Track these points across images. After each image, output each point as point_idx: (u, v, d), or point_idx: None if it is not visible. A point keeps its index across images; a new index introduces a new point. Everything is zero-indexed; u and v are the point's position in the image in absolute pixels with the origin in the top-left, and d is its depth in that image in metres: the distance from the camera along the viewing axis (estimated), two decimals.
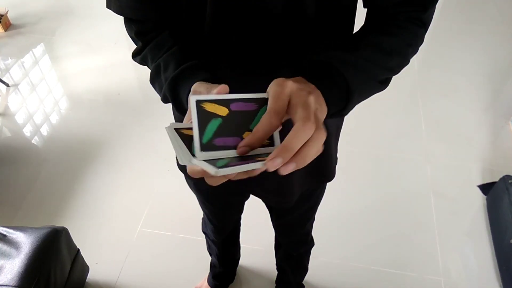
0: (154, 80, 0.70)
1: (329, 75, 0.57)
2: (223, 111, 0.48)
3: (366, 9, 0.69)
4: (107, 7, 0.72)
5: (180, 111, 0.65)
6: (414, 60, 2.86)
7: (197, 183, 1.07)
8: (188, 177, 1.08)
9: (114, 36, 3.01)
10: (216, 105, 0.47)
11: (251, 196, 1.14)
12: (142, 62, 0.75)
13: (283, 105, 0.48)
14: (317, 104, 0.50)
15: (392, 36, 0.65)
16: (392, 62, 0.65)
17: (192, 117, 0.47)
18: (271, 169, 0.43)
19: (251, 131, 0.49)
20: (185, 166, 0.99)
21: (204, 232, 1.49)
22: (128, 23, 0.74)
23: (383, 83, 0.66)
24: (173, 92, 0.64)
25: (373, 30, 0.66)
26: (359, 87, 0.59)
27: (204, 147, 0.46)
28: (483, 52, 2.95)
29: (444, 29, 3.16)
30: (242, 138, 0.48)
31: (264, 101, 0.50)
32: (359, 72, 0.59)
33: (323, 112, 0.51)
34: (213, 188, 1.07)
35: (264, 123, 0.47)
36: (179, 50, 0.67)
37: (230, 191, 1.09)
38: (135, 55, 0.75)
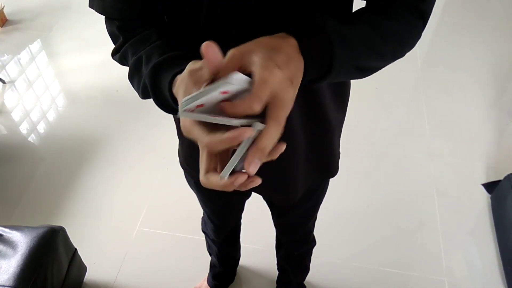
0: (133, 74, 0.67)
1: (316, 40, 0.55)
2: None
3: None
4: (89, 6, 0.71)
5: (159, 102, 0.62)
6: (417, 56, 2.86)
7: (198, 181, 1.07)
8: (188, 175, 1.08)
9: None
10: None
11: (252, 194, 1.14)
12: (122, 60, 0.72)
13: (268, 94, 0.46)
14: (295, 87, 0.50)
15: (391, 20, 0.63)
16: (386, 48, 0.63)
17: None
18: (253, 173, 0.46)
19: None
20: (186, 164, 0.99)
21: (204, 232, 1.49)
22: (109, 19, 0.72)
23: (365, 71, 0.64)
24: (153, 78, 0.61)
25: (372, 12, 0.64)
26: (343, 65, 0.57)
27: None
28: (488, 49, 2.95)
29: (448, 25, 3.15)
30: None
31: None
32: (348, 48, 0.57)
33: (295, 92, 0.50)
34: None
35: (246, 105, 0.45)
36: (164, 43, 0.65)
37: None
38: (114, 53, 0.72)
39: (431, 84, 2.68)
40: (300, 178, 0.93)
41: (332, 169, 1.01)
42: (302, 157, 0.87)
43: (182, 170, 1.04)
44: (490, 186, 2.06)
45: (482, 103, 2.55)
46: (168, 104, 0.59)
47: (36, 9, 3.31)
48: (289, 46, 0.51)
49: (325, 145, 0.91)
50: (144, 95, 0.66)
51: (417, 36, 0.67)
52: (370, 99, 2.54)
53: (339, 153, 1.01)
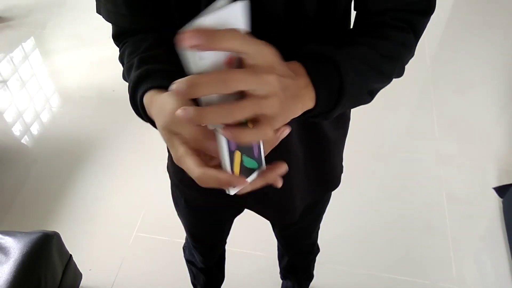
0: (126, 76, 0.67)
1: (327, 72, 0.55)
2: None
3: (355, 12, 0.69)
4: (96, 11, 0.71)
5: (136, 111, 0.63)
6: (426, 54, 2.86)
7: (189, 198, 1.05)
8: (179, 192, 1.07)
9: (108, 30, 3.00)
10: None
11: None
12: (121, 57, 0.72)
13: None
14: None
15: (387, 40, 0.64)
16: (387, 65, 0.64)
17: None
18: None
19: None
20: (178, 180, 0.99)
21: (188, 262, 1.45)
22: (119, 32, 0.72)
23: (371, 94, 0.65)
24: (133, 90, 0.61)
25: (364, 35, 0.65)
26: (352, 93, 0.58)
27: None
28: (500, 47, 2.94)
29: (458, 22, 3.15)
30: None
31: None
32: (356, 77, 0.58)
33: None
34: (206, 203, 1.04)
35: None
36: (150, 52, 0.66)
37: (225, 205, 1.05)
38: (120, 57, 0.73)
39: (441, 83, 2.68)
40: (298, 196, 0.92)
41: (332, 184, 1.00)
42: (300, 174, 0.87)
43: None
44: (502, 190, 2.05)
45: (494, 103, 2.55)
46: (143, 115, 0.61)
47: (29, 6, 3.31)
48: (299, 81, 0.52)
49: (325, 161, 0.91)
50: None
51: (412, 52, 0.69)
52: (376, 99, 2.53)
53: (341, 167, 1.00)
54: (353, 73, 0.57)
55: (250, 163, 0.50)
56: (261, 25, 0.62)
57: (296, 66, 0.53)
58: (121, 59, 0.71)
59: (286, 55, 0.57)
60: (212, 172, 0.47)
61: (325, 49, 0.56)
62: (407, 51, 0.67)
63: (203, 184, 0.47)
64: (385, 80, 0.66)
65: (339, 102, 0.56)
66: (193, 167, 0.48)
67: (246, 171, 0.50)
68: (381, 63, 0.62)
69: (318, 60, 0.55)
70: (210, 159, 0.49)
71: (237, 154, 0.48)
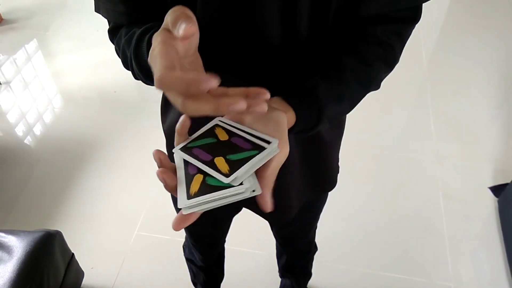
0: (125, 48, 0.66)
1: (308, 104, 0.61)
2: (224, 136, 0.53)
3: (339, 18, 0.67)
4: (95, 10, 0.71)
5: (139, 60, 0.61)
6: (422, 56, 2.86)
7: None
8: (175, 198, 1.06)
9: None
10: (224, 131, 0.54)
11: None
12: (117, 43, 0.71)
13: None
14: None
15: (372, 67, 0.66)
16: (365, 93, 0.69)
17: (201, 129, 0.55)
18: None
19: (225, 159, 0.50)
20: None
21: (188, 260, 1.45)
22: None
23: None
24: (137, 43, 0.61)
25: (353, 56, 0.66)
26: (328, 121, 0.64)
27: (183, 149, 0.54)
28: (496, 48, 2.95)
29: (454, 24, 3.15)
30: (213, 158, 0.51)
31: (261, 148, 0.50)
32: (335, 107, 0.64)
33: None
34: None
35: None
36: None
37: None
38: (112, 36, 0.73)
39: (437, 84, 2.68)
40: (294, 196, 0.92)
41: (328, 184, 1.00)
42: (296, 174, 0.87)
43: None
44: (497, 189, 2.06)
45: (490, 104, 2.55)
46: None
47: (32, 8, 3.32)
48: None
49: (320, 161, 0.91)
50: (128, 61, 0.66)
51: (392, 67, 0.71)
52: (374, 101, 2.53)
53: (337, 167, 1.00)
54: (332, 113, 0.64)
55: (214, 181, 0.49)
56: (259, 54, 0.65)
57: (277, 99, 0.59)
58: (117, 45, 0.70)
59: (280, 82, 0.63)
60: (178, 73, 0.42)
61: (312, 86, 0.62)
62: (388, 68, 0.70)
63: (164, 87, 0.42)
64: (356, 103, 0.71)
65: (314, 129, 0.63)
66: (159, 67, 0.44)
67: (208, 188, 0.48)
68: (359, 95, 0.68)
69: (303, 96, 0.61)
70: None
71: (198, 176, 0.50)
